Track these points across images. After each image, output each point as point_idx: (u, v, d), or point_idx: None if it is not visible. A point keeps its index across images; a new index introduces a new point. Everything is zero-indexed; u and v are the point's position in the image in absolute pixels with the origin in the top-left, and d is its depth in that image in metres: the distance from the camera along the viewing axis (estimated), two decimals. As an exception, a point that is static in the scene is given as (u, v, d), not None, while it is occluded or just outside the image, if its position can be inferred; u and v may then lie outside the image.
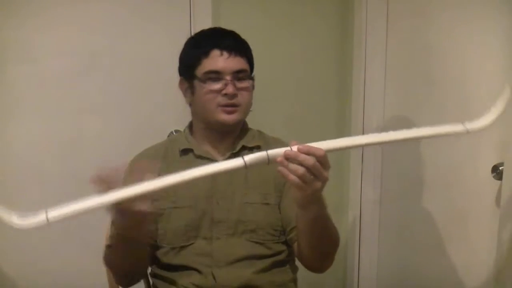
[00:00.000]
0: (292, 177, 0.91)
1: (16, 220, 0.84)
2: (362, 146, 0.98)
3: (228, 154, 1.26)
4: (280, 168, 0.92)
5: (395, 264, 2.01)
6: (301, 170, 0.90)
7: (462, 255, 1.68)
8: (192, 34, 1.71)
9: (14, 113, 1.65)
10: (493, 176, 1.49)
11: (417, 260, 1.88)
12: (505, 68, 1.44)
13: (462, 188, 1.67)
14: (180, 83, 1.30)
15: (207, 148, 1.28)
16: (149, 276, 1.35)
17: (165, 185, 0.89)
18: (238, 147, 1.27)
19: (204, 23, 1.71)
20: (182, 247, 1.22)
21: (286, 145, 1.35)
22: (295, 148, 0.92)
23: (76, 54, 1.70)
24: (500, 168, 1.46)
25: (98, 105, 1.75)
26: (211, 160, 1.25)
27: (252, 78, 1.27)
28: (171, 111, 1.81)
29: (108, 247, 1.16)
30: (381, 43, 1.97)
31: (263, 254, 1.23)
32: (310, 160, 0.90)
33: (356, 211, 2.11)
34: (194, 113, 1.31)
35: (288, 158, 0.91)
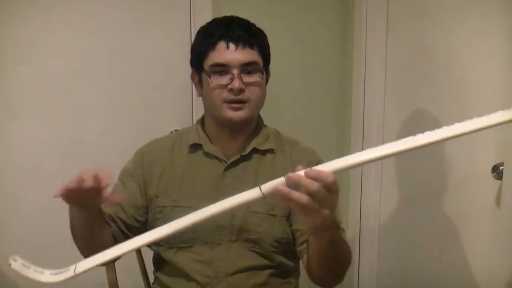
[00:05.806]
0: (295, 205, 0.82)
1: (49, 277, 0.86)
2: (382, 159, 0.82)
3: (237, 156, 1.20)
4: (281, 193, 0.80)
5: (395, 264, 2.01)
6: (304, 199, 0.80)
7: (462, 255, 1.67)
8: (192, 34, 1.72)
9: (14, 113, 1.65)
10: (493, 176, 1.48)
11: (417, 260, 1.88)
12: (505, 67, 1.44)
13: (462, 188, 1.66)
14: (192, 75, 1.24)
15: (217, 146, 1.22)
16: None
17: (180, 227, 0.89)
18: (249, 149, 1.21)
19: (204, 23, 1.71)
20: (180, 248, 1.18)
21: (304, 149, 1.27)
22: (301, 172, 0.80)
23: (76, 54, 1.69)
24: (500, 168, 1.46)
25: (98, 105, 1.75)
26: (219, 159, 1.21)
27: (264, 71, 1.18)
28: (171, 111, 1.81)
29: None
30: (381, 43, 1.97)
31: (264, 265, 1.18)
32: (314, 185, 0.79)
33: (356, 211, 2.11)
34: (204, 107, 1.25)
35: (290, 184, 0.80)
